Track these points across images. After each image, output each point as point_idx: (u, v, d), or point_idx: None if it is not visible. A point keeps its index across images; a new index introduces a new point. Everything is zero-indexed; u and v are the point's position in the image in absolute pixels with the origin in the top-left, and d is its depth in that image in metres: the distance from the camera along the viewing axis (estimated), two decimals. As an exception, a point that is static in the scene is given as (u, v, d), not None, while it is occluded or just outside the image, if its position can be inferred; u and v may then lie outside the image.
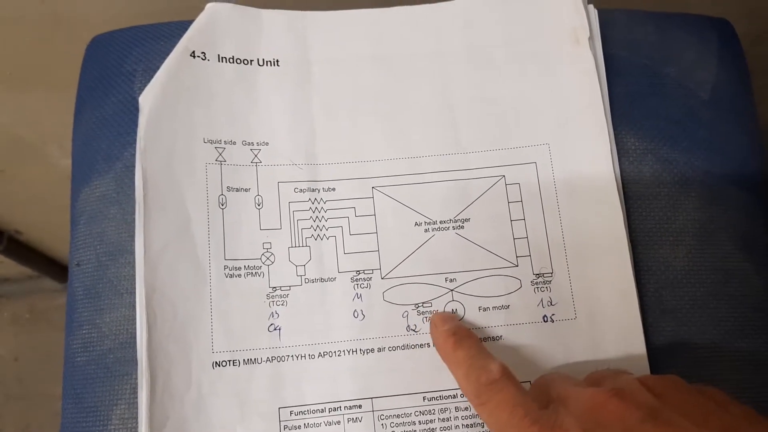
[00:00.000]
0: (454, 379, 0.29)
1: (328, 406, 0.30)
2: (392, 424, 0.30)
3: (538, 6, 0.35)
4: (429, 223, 0.32)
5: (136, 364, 0.30)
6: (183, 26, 0.34)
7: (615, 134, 0.34)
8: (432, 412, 0.30)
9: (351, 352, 0.31)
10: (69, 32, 0.50)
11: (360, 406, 0.30)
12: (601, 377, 0.27)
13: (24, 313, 1.03)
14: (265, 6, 0.35)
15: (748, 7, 0.51)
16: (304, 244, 0.32)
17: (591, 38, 0.34)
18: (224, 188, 0.32)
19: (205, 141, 0.32)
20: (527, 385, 0.30)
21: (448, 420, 0.30)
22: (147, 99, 0.32)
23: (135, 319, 0.30)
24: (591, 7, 0.35)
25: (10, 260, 0.87)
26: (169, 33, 0.35)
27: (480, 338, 0.31)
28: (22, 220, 0.84)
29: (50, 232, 0.87)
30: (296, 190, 0.32)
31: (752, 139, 0.36)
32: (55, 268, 0.96)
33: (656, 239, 0.33)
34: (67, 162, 0.69)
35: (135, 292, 0.31)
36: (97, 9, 0.48)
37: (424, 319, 0.31)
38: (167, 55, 0.33)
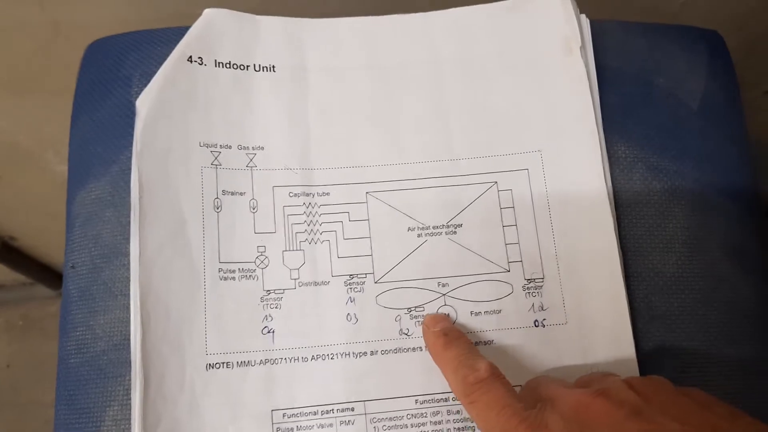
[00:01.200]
0: (446, 381, 0.29)
1: (320, 408, 0.30)
2: (384, 427, 0.30)
3: (530, 15, 0.35)
4: (422, 228, 0.33)
5: (130, 365, 0.30)
6: (180, 32, 0.35)
7: (606, 142, 0.34)
8: (424, 415, 0.30)
9: (344, 355, 0.31)
10: (67, 39, 0.50)
11: (352, 409, 0.30)
12: (590, 380, 0.28)
13: (17, 321, 1.02)
14: (262, 13, 0.35)
15: (738, 21, 0.51)
16: (299, 248, 0.32)
17: (583, 48, 0.35)
18: (219, 192, 0.32)
19: (201, 145, 0.33)
20: (518, 389, 0.30)
21: (440, 423, 0.30)
22: (144, 103, 0.33)
23: (129, 321, 0.30)
24: (583, 17, 0.35)
25: (3, 266, 0.87)
26: (166, 38, 0.36)
27: (471, 341, 0.31)
28: (17, 226, 0.83)
29: (45, 238, 0.87)
30: (291, 194, 0.33)
31: (741, 148, 0.36)
32: (49, 275, 0.96)
33: (646, 246, 0.33)
34: (63, 168, 0.69)
35: (129, 295, 0.31)
36: (96, 16, 0.48)
37: (417, 323, 0.31)
38: (164, 60, 0.34)
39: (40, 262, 0.93)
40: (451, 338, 0.30)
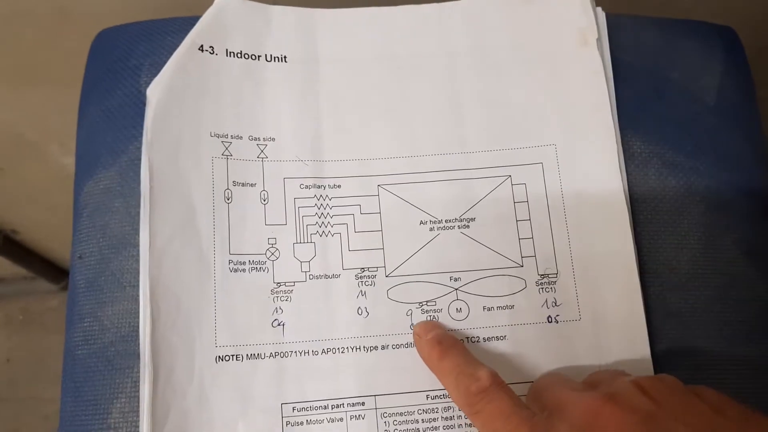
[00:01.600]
0: None
1: (330, 402, 0.30)
2: (395, 422, 0.30)
3: (546, 6, 0.35)
4: (434, 222, 0.32)
5: (138, 357, 0.29)
6: (191, 21, 0.34)
7: (621, 136, 0.34)
8: (435, 410, 0.30)
9: (354, 349, 0.31)
10: (75, 28, 0.50)
11: (363, 404, 0.30)
12: (599, 380, 0.27)
13: (17, 315, 1.02)
14: (274, 2, 0.35)
15: (751, 20, 0.51)
16: (309, 241, 0.32)
17: (599, 39, 0.34)
18: (230, 183, 0.32)
19: (212, 135, 0.32)
20: (529, 385, 0.30)
21: (451, 419, 0.30)
22: (155, 91, 0.32)
23: (137, 312, 0.30)
24: (599, 9, 0.35)
25: (5, 260, 0.87)
26: (176, 28, 0.35)
27: (484, 338, 0.31)
28: (20, 220, 0.83)
29: (47, 232, 0.86)
30: (302, 186, 0.32)
31: (756, 145, 0.36)
32: (50, 270, 0.95)
33: (661, 242, 0.33)
34: (67, 161, 0.69)
35: (138, 285, 0.30)
36: (103, 4, 0.48)
37: (428, 317, 0.31)
38: (174, 49, 0.33)
39: (42, 256, 0.93)
40: (446, 347, 0.29)
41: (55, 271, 0.96)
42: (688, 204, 0.33)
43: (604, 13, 0.35)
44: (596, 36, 0.34)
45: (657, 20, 0.38)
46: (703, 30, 0.38)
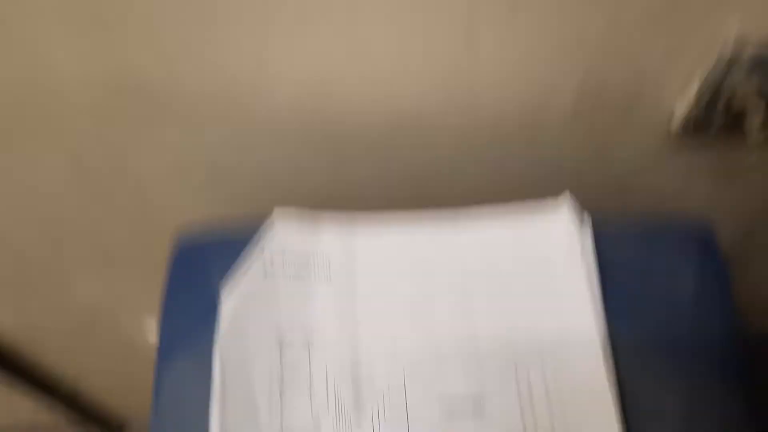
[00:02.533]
0: None
1: None
2: None
3: (539, 226, 0.43)
4: (451, 413, 0.38)
5: None
6: (253, 228, 0.43)
7: (608, 329, 0.39)
8: None
9: None
10: (153, 217, 0.58)
11: None
12: None
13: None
14: (318, 205, 0.44)
15: (731, 207, 0.57)
16: (349, 425, 0.38)
17: (583, 252, 0.41)
18: (284, 373, 0.39)
19: (271, 334, 0.40)
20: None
21: None
22: (228, 298, 0.41)
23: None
24: (586, 226, 0.42)
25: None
26: (243, 235, 0.43)
27: None
28: (88, 382, 0.90)
29: (110, 393, 0.93)
30: (341, 379, 0.39)
31: (731, 328, 0.41)
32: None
33: (644, 424, 0.38)
34: (133, 332, 0.76)
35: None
36: (181, 199, 0.57)
37: None
38: (243, 253, 0.42)
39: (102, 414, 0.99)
40: None
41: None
42: (669, 393, 0.39)
43: (590, 231, 0.42)
44: (580, 250, 0.41)
45: (639, 219, 0.44)
46: (682, 226, 0.44)
